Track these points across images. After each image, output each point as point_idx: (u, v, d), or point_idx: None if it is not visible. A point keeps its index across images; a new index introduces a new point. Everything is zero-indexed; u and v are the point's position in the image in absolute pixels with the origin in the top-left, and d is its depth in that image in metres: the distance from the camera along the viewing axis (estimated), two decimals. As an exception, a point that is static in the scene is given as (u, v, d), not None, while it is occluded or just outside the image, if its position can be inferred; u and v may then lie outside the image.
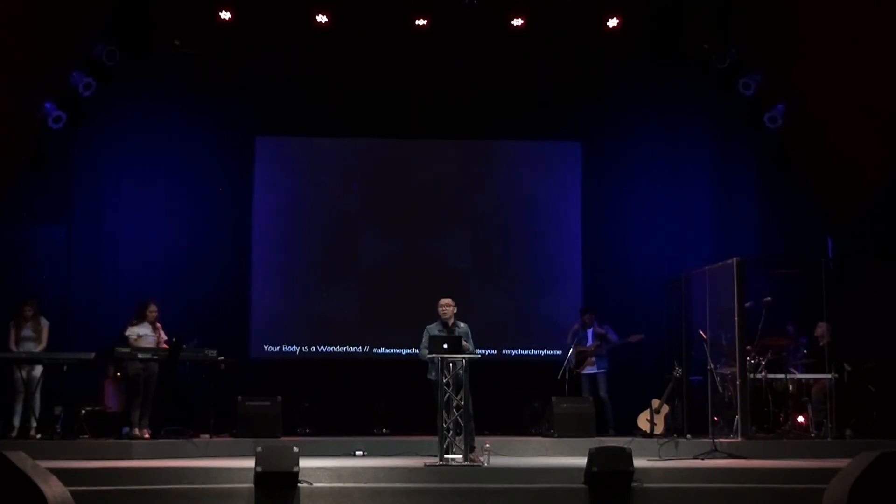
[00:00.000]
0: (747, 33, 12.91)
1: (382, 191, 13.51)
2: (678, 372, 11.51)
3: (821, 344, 11.24)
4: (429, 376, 9.46)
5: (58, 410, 10.68)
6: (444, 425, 9.20)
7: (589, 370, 12.29)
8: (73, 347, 10.89)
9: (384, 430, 12.22)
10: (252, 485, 8.19)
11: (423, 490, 8.38)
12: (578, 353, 12.31)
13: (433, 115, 13.23)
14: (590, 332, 12.37)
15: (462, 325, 9.61)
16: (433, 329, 9.51)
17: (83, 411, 10.84)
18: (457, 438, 9.26)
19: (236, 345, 12.59)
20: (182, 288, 12.73)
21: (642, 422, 11.61)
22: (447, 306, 9.59)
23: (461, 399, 9.23)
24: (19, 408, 10.59)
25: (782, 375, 11.07)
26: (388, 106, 13.17)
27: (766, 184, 13.47)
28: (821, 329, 11.26)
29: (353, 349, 13.23)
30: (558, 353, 12.60)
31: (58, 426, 10.53)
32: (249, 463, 8.35)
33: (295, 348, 13.19)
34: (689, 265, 12.28)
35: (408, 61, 12.97)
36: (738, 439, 10.40)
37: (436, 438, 9.31)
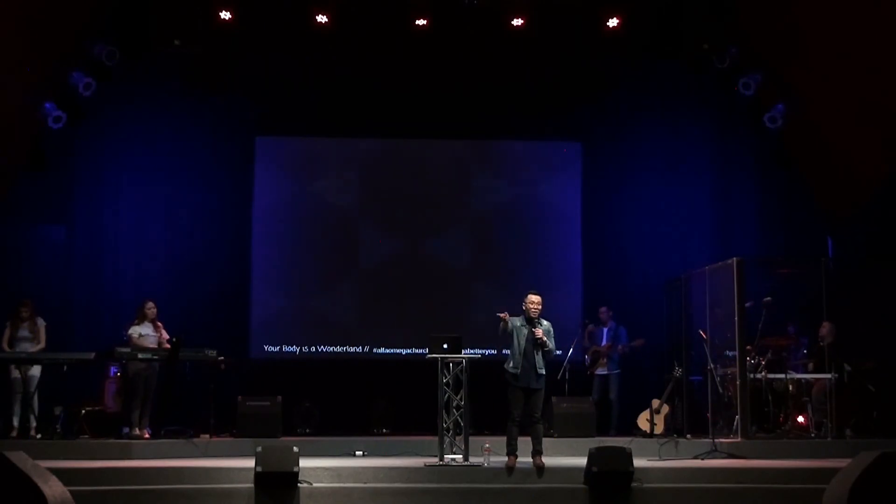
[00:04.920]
0: (747, 33, 12.90)
1: (382, 191, 13.51)
2: (678, 372, 11.51)
3: (822, 344, 11.24)
4: (506, 366, 9.08)
5: (58, 410, 10.67)
6: (444, 425, 9.21)
7: (601, 371, 12.29)
8: (73, 347, 10.90)
9: (384, 430, 12.21)
10: (252, 485, 8.20)
11: (423, 490, 8.40)
12: (592, 353, 12.32)
13: (433, 115, 13.23)
14: (605, 330, 12.37)
15: (545, 322, 9.15)
16: (516, 322, 9.09)
17: (83, 411, 10.86)
18: (457, 438, 9.27)
19: (236, 345, 12.59)
20: (182, 288, 12.73)
21: (642, 422, 11.61)
22: (537, 304, 9.07)
23: (461, 399, 9.24)
24: (18, 408, 10.59)
25: (782, 375, 11.07)
26: (388, 106, 13.17)
27: (766, 184, 13.47)
28: (825, 329, 11.24)
29: (353, 349, 13.22)
30: (559, 352, 12.59)
31: (58, 426, 10.52)
32: (249, 463, 8.37)
33: (295, 348, 13.19)
34: (689, 265, 12.28)
35: (408, 61, 12.96)
36: (738, 439, 10.40)
37: (435, 438, 9.32)
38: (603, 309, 12.51)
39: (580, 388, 12.16)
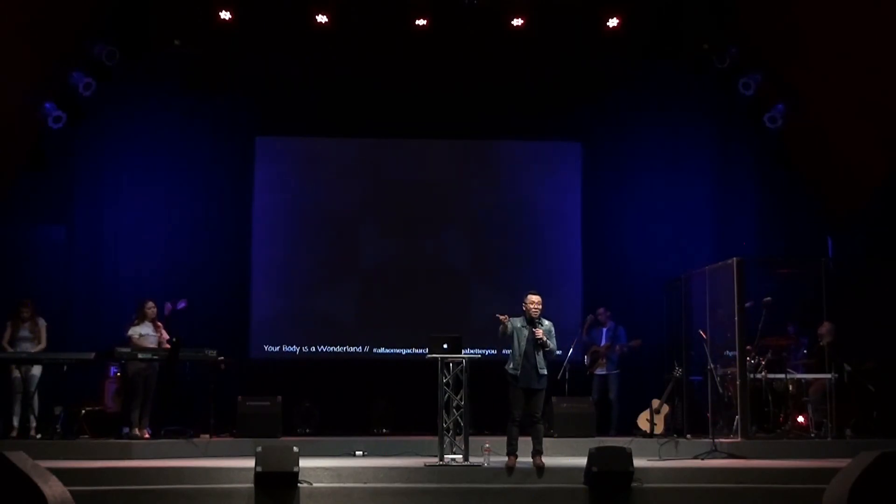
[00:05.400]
0: (747, 33, 12.90)
1: (382, 191, 13.51)
2: (678, 372, 11.51)
3: (821, 343, 11.24)
4: (506, 367, 9.03)
5: (58, 410, 10.68)
6: (444, 425, 9.20)
7: (600, 371, 12.28)
8: (73, 347, 10.89)
9: (384, 430, 12.22)
10: (252, 485, 8.20)
11: (423, 490, 8.41)
12: (591, 353, 12.32)
13: (433, 115, 13.23)
14: (604, 330, 12.37)
15: (547, 322, 9.09)
16: (517, 322, 9.04)
17: (83, 411, 10.86)
18: (457, 438, 9.27)
19: (236, 345, 12.59)
20: (182, 288, 12.67)
21: (642, 422, 11.61)
22: (538, 304, 9.02)
23: (461, 399, 9.24)
24: (18, 408, 10.59)
25: (782, 375, 11.07)
26: (388, 106, 13.17)
27: (766, 184, 13.47)
28: (824, 328, 11.24)
29: (353, 349, 13.22)
30: (559, 353, 12.58)
31: (58, 426, 10.52)
32: (249, 463, 8.37)
33: (295, 348, 13.19)
34: (689, 265, 12.28)
35: (408, 61, 12.96)
36: (738, 439, 10.40)
37: (435, 438, 9.32)
38: (601, 310, 12.51)
39: (580, 388, 12.16)
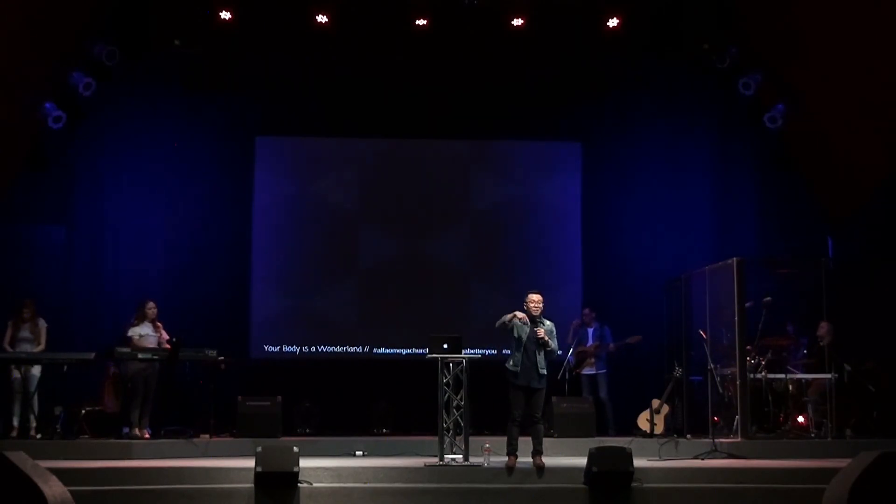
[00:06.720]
0: (747, 33, 12.91)
1: (382, 191, 13.51)
2: (678, 372, 11.51)
3: (821, 344, 11.24)
4: (507, 364, 8.97)
5: (58, 410, 10.67)
6: (444, 425, 9.20)
7: (588, 371, 12.29)
8: (73, 347, 10.88)
9: (384, 430, 12.22)
10: (252, 485, 8.20)
11: (423, 490, 8.41)
12: (578, 353, 12.32)
13: (433, 115, 13.24)
14: (590, 331, 12.38)
15: (548, 322, 9.05)
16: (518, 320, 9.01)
17: (83, 411, 10.85)
18: (457, 438, 9.27)
19: (236, 345, 12.59)
20: (182, 288, 12.74)
21: (642, 422, 11.61)
22: (538, 303, 8.98)
23: (461, 399, 9.24)
24: (18, 408, 10.59)
25: (782, 375, 11.07)
26: (388, 106, 13.18)
27: (766, 184, 13.47)
28: (823, 329, 11.25)
29: (353, 349, 13.23)
30: (559, 353, 12.58)
31: (58, 426, 10.52)
32: (249, 463, 8.37)
33: (295, 348, 13.19)
34: (689, 265, 12.28)
35: (408, 61, 12.96)
36: (738, 439, 10.41)
37: (435, 438, 9.32)
38: (586, 311, 12.53)
39: (580, 389, 12.17)
